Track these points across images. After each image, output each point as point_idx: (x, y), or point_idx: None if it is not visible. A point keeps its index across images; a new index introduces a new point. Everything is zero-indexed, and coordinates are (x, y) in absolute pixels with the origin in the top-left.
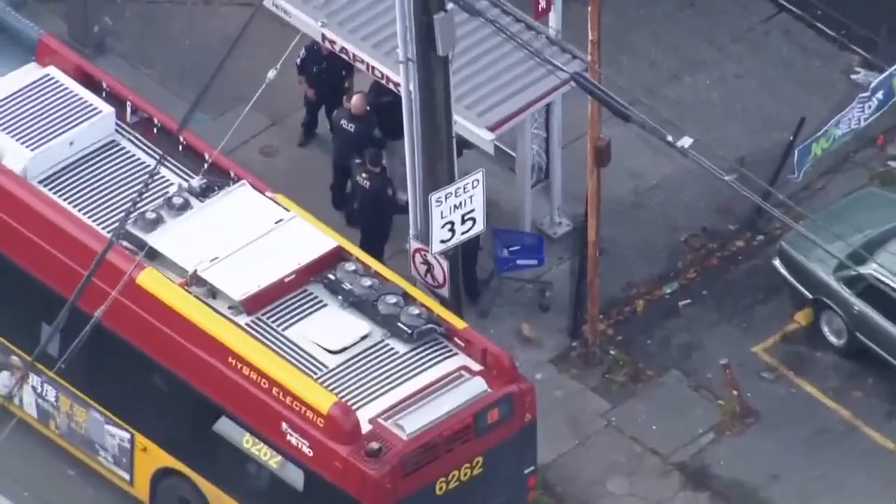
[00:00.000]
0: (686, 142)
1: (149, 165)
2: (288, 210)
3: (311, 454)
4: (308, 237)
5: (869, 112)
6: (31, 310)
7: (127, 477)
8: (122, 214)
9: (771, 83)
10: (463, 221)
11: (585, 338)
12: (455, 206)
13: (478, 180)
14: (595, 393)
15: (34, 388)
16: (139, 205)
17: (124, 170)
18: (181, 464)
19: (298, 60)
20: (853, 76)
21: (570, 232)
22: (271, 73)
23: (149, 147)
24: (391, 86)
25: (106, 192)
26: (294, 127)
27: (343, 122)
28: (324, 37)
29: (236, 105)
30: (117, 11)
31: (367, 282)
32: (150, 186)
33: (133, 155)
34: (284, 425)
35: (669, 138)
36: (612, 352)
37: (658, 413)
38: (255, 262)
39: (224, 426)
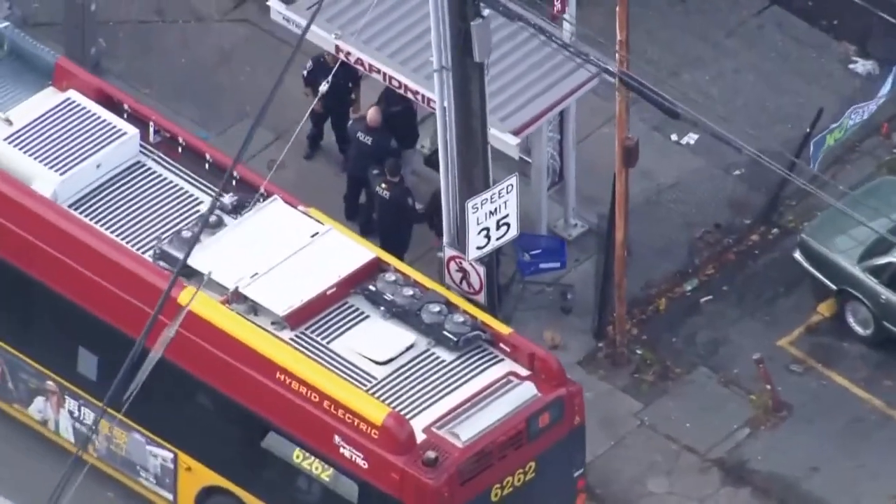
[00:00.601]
0: (691, 138)
1: (177, 185)
2: (322, 223)
3: (365, 466)
4: (345, 249)
5: (880, 103)
6: (66, 333)
7: (170, 497)
8: (168, 236)
9: (769, 76)
10: (498, 227)
11: (611, 338)
12: (490, 211)
13: (511, 185)
14: (625, 393)
15: (71, 413)
16: (171, 225)
17: (153, 190)
18: (227, 481)
19: (305, 73)
20: (851, 66)
21: (584, 233)
22: (324, 87)
23: (175, 167)
24: (409, 94)
25: (137, 213)
26: (299, 140)
27: (360, 134)
28: (338, 48)
29: (239, 121)
30: (110, 33)
31: (408, 291)
32: (181, 205)
33: (160, 175)
34: (337, 438)
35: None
36: (638, 351)
37: (690, 410)
38: (296, 277)
39: (273, 442)
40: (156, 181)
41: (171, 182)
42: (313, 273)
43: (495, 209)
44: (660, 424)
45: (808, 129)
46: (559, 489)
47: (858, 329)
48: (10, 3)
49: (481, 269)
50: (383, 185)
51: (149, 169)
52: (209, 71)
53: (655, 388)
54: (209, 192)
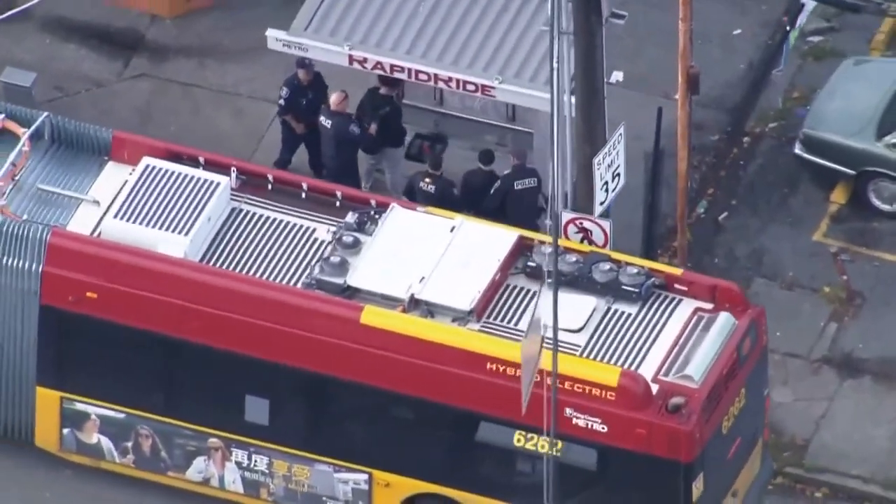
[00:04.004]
0: (618, 76)
1: (281, 220)
2: (450, 217)
3: (604, 430)
4: (488, 235)
5: None
6: (231, 386)
7: None
8: (317, 264)
9: None
10: (612, 178)
11: None
12: (608, 164)
13: (621, 134)
14: None
15: (238, 464)
16: (299, 258)
17: (262, 231)
18: (435, 486)
19: (282, 101)
20: None
21: None
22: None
23: (272, 204)
24: (440, 84)
25: (260, 254)
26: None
27: (322, 118)
28: (351, 58)
29: None
30: None
31: (571, 258)
32: (297, 238)
33: (261, 215)
34: (568, 411)
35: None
36: None
37: (771, 319)
38: (459, 271)
39: (488, 432)
40: (260, 221)
41: (274, 219)
42: (473, 263)
43: (611, 161)
44: None
45: (787, 28)
46: (757, 410)
47: (885, 206)
48: None
49: (606, 224)
50: (427, 181)
51: (247, 212)
52: (139, 129)
53: None
54: (316, 219)
